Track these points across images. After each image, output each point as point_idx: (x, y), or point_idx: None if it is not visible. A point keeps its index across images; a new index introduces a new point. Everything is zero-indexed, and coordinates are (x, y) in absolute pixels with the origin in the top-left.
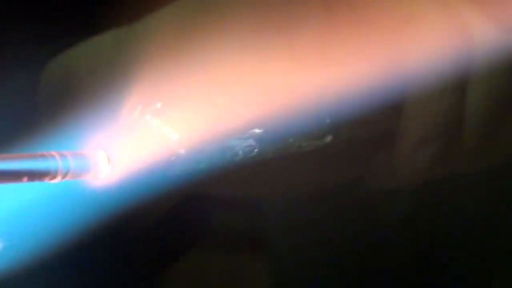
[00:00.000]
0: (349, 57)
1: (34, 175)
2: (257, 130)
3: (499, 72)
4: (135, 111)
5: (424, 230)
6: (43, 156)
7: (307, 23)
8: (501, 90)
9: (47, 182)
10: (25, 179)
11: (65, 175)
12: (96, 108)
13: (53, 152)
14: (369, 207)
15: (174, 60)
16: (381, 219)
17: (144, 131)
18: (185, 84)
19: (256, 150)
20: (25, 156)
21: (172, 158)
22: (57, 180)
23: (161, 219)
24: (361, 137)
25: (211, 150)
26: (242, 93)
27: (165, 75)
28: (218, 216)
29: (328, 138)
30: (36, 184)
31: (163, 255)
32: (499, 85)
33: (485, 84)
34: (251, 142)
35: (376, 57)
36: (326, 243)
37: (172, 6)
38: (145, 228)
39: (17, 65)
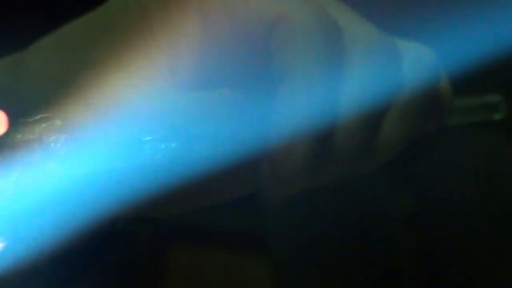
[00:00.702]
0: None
1: None
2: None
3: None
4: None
5: (425, 230)
6: None
7: (185, 39)
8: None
9: None
10: None
11: None
12: None
13: None
14: (370, 207)
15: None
16: (381, 219)
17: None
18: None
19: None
20: None
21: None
22: None
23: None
24: None
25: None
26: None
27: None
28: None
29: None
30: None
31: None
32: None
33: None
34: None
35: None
36: (326, 243)
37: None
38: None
39: None
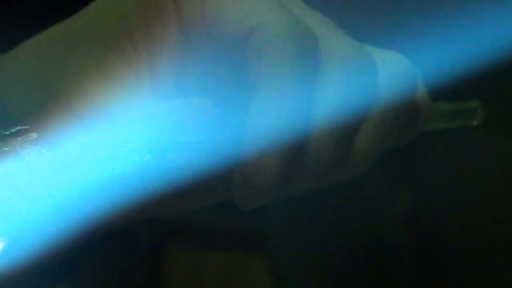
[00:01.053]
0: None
1: None
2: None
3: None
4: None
5: (425, 230)
6: None
7: (164, 47)
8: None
9: None
10: None
11: None
12: None
13: None
14: (369, 207)
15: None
16: (381, 219)
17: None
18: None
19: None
20: None
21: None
22: None
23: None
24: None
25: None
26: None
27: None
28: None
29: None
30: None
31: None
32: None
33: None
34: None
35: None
36: (326, 243)
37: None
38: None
39: None
